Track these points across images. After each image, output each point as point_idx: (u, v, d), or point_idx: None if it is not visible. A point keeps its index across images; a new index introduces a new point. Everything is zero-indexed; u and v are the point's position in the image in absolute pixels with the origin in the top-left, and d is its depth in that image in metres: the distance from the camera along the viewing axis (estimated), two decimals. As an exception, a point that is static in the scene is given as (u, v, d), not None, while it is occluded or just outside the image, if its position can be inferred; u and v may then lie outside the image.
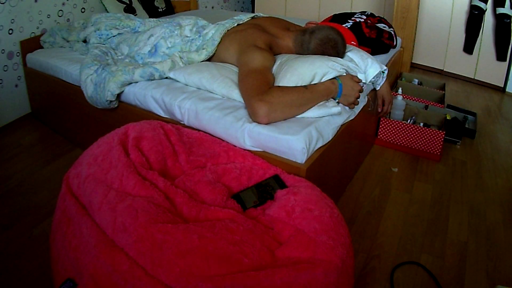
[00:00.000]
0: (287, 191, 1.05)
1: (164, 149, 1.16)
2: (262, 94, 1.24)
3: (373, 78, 1.63)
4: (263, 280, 0.81)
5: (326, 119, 1.33)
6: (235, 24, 1.61)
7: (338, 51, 1.50)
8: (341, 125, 1.41)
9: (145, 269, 0.82)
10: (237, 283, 0.80)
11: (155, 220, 0.88)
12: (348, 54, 1.60)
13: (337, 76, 1.37)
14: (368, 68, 1.60)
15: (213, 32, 1.60)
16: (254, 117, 1.26)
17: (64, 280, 0.90)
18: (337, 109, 1.34)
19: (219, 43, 1.57)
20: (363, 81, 1.52)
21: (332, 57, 1.44)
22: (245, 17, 1.67)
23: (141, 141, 1.15)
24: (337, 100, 1.39)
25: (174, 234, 0.86)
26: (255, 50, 1.40)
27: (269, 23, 1.61)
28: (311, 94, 1.30)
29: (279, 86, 1.31)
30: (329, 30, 1.49)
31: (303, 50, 1.51)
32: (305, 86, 1.31)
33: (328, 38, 1.47)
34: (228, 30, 1.59)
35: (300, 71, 1.35)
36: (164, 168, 1.14)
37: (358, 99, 1.42)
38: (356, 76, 1.43)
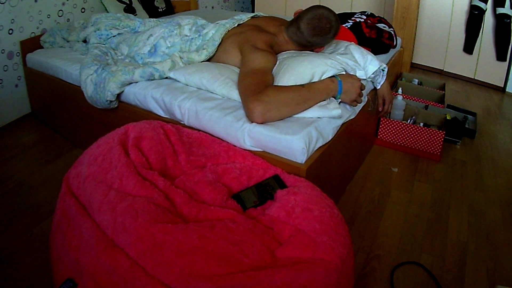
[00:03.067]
0: (287, 191, 1.05)
1: (164, 149, 1.16)
2: (257, 94, 1.23)
3: (373, 74, 1.63)
4: (263, 280, 0.81)
5: (326, 119, 1.32)
6: (236, 25, 1.61)
7: (329, 21, 1.46)
8: (341, 125, 1.41)
9: (145, 269, 0.82)
10: (237, 283, 0.80)
11: (155, 220, 0.88)
12: (349, 47, 1.60)
13: (336, 75, 1.37)
14: (367, 64, 1.60)
15: (214, 32, 1.60)
16: (249, 117, 1.25)
17: (64, 280, 0.90)
18: (337, 111, 1.33)
19: (219, 44, 1.57)
20: (363, 77, 1.51)
21: (331, 55, 1.44)
22: (245, 16, 1.67)
23: (141, 141, 1.15)
24: (338, 99, 1.38)
25: (174, 234, 0.86)
26: (256, 51, 1.41)
27: (267, 22, 1.62)
28: (309, 92, 1.30)
29: (275, 86, 1.31)
30: (312, 8, 1.48)
31: (298, 37, 1.50)
32: (302, 85, 1.31)
33: (313, 14, 1.46)
34: (228, 31, 1.59)
35: (299, 70, 1.35)
36: (164, 168, 1.14)
37: (360, 97, 1.41)
38: (355, 75, 1.42)
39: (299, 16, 1.50)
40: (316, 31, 1.47)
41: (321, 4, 1.55)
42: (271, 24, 1.60)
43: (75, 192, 1.04)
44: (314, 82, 1.34)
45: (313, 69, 1.35)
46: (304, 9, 1.53)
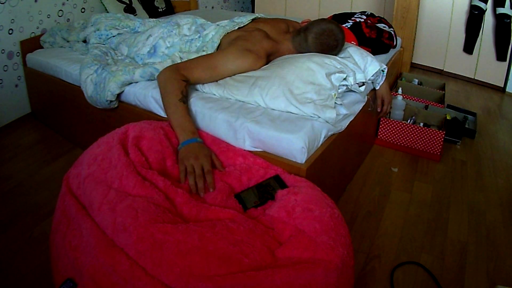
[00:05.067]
0: (287, 191, 1.05)
1: (164, 149, 1.16)
2: (179, 69, 1.33)
3: (373, 76, 1.63)
4: (263, 280, 0.81)
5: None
6: (236, 28, 1.61)
7: (337, 39, 1.50)
8: (341, 125, 1.41)
9: (145, 269, 0.82)
10: (237, 283, 0.80)
11: (155, 220, 0.88)
12: (348, 50, 1.60)
13: (199, 141, 1.20)
14: (367, 66, 1.60)
15: (213, 34, 1.60)
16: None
17: (64, 280, 0.90)
18: (331, 114, 1.29)
19: (218, 45, 1.56)
20: (363, 80, 1.51)
21: (331, 56, 1.45)
22: (245, 19, 1.66)
23: (141, 141, 1.15)
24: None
25: (174, 234, 0.86)
26: (240, 51, 1.42)
27: (270, 27, 1.60)
28: (176, 115, 1.24)
29: (183, 83, 1.30)
30: (322, 21, 1.51)
31: (302, 48, 1.52)
32: (185, 108, 1.25)
33: (323, 29, 1.49)
34: (228, 33, 1.59)
35: (297, 64, 1.38)
36: (163, 168, 1.14)
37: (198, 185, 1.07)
38: (214, 165, 1.16)
39: (307, 27, 1.51)
40: (323, 47, 1.50)
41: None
42: (274, 29, 1.60)
43: (75, 192, 1.04)
44: (188, 119, 1.24)
45: (309, 63, 1.36)
46: (312, 20, 1.54)
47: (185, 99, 1.28)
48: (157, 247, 0.84)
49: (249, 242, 0.88)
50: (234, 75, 1.44)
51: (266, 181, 1.13)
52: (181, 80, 1.31)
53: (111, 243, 0.87)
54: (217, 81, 1.44)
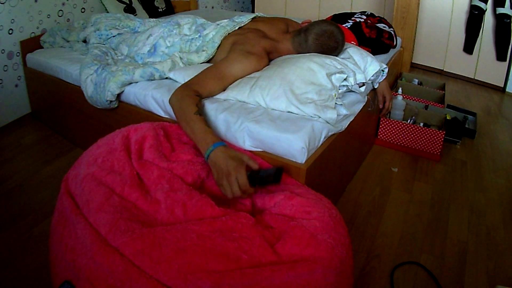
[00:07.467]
0: (284, 196, 1.05)
1: (164, 150, 1.16)
2: (190, 85, 1.28)
3: (373, 76, 1.63)
4: (262, 279, 0.81)
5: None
6: (236, 28, 1.61)
7: (337, 40, 1.50)
8: (341, 125, 1.41)
9: (144, 267, 0.82)
10: (235, 281, 0.80)
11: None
12: (348, 50, 1.60)
13: (224, 147, 1.10)
14: (367, 66, 1.60)
15: (214, 34, 1.60)
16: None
17: (62, 282, 0.90)
18: (332, 115, 1.29)
19: (219, 45, 1.56)
20: (363, 80, 1.51)
21: (331, 56, 1.45)
22: (245, 19, 1.66)
23: (143, 144, 1.14)
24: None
25: (173, 232, 0.86)
26: (242, 55, 1.41)
27: (269, 27, 1.61)
28: (195, 126, 1.15)
29: (198, 97, 1.25)
30: (322, 23, 1.51)
31: (302, 49, 1.52)
32: (204, 123, 1.17)
33: (323, 30, 1.49)
34: (228, 33, 1.59)
35: (298, 65, 1.38)
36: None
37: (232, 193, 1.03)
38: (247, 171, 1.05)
39: (308, 28, 1.51)
40: (323, 48, 1.50)
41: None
42: (273, 29, 1.60)
43: (72, 192, 1.04)
44: (208, 129, 1.15)
45: (310, 64, 1.36)
46: (312, 20, 1.54)
47: (201, 112, 1.20)
48: (157, 245, 0.84)
49: (247, 238, 0.88)
50: (243, 76, 1.43)
51: (269, 172, 1.06)
52: (194, 95, 1.25)
53: (105, 243, 0.86)
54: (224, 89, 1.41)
